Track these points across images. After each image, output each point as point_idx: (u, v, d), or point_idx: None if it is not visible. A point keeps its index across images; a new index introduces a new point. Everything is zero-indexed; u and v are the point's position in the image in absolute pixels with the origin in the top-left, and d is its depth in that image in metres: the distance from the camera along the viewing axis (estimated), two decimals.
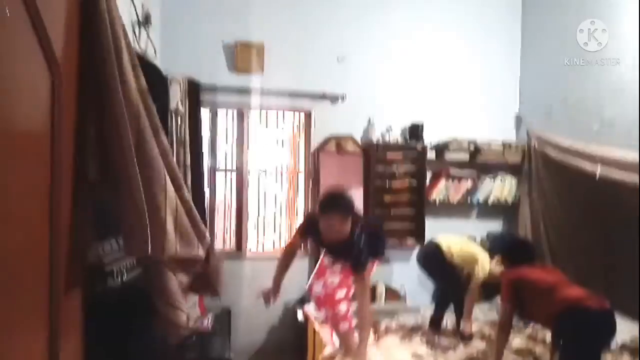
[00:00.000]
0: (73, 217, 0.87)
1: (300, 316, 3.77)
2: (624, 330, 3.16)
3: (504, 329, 2.71)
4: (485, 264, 3.29)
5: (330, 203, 2.50)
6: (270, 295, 2.70)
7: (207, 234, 0.99)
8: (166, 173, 0.90)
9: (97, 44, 0.84)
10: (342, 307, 2.69)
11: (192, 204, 1.03)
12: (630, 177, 3.24)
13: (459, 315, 3.36)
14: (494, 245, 3.64)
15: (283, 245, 3.90)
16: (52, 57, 0.81)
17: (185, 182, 3.46)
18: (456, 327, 3.36)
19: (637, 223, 3.08)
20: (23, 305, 0.75)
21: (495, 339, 2.86)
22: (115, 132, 0.80)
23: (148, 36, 2.84)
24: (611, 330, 2.45)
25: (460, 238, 3.52)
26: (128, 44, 0.90)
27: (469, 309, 3.34)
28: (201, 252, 0.92)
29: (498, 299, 3.21)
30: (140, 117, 0.86)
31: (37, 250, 0.80)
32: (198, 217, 1.00)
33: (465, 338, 3.25)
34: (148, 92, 0.96)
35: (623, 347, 3.05)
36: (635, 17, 3.31)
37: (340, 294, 2.70)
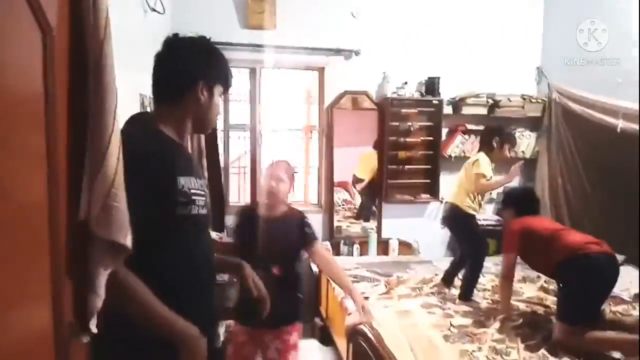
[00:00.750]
0: (70, 180, 0.91)
1: (315, 267, 3.84)
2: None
3: (507, 277, 2.73)
4: (482, 161, 3.17)
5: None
6: None
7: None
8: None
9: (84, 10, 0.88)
10: None
11: None
12: None
13: (469, 275, 3.26)
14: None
15: (296, 200, 3.95)
16: (42, 17, 0.82)
17: (199, 142, 3.53)
18: (463, 286, 3.25)
19: None
20: (24, 271, 0.79)
21: (500, 288, 2.90)
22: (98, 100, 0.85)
23: None
24: (612, 275, 2.42)
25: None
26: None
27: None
28: (128, 243, 0.94)
29: None
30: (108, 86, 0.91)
31: (37, 215, 0.83)
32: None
33: (463, 299, 3.18)
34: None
35: (637, 297, 3.05)
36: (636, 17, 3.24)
37: None
